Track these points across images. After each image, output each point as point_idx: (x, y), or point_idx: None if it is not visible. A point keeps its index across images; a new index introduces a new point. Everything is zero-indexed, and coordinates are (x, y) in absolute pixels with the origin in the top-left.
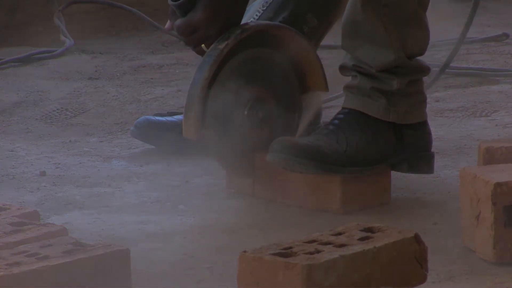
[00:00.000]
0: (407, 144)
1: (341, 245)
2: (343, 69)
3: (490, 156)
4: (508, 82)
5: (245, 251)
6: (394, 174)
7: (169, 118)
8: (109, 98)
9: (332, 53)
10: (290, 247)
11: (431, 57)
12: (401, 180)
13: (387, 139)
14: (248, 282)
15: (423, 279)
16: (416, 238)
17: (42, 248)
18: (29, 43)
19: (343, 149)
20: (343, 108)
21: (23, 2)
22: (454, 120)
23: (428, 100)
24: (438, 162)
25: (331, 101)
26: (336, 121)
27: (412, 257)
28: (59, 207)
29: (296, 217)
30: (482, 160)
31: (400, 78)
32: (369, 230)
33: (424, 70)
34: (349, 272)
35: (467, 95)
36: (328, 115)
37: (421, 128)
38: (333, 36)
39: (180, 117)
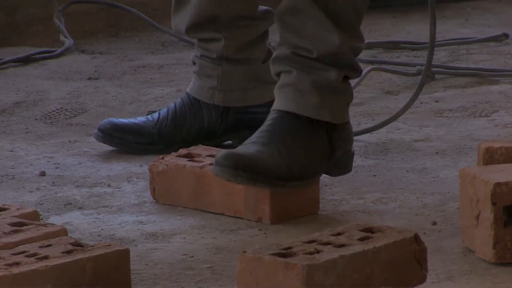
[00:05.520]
0: (336, 147)
1: (341, 245)
2: (277, 61)
3: (490, 156)
4: (508, 82)
5: (245, 251)
6: (393, 174)
7: (132, 120)
8: (109, 98)
9: None
10: (290, 247)
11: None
12: (400, 180)
13: (323, 146)
14: (248, 282)
15: (422, 279)
16: (416, 238)
17: (41, 248)
18: (29, 43)
19: (286, 163)
20: (274, 110)
21: (23, 2)
22: (454, 120)
23: (428, 100)
24: (438, 162)
25: None
26: (270, 127)
27: (412, 257)
28: (59, 207)
29: (295, 217)
30: (482, 160)
31: (337, 69)
32: (369, 230)
33: (358, 70)
34: (349, 272)
35: (467, 95)
36: None
37: (347, 129)
38: None
39: (142, 118)
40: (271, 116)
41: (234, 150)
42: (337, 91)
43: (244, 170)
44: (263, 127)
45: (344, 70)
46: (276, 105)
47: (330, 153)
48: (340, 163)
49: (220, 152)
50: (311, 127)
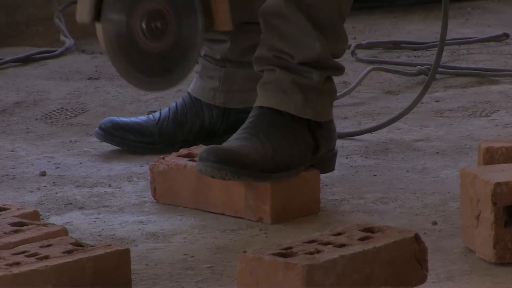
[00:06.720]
0: (320, 145)
1: (341, 245)
2: (259, 60)
3: (490, 156)
4: (508, 82)
5: (245, 251)
6: (394, 174)
7: (133, 119)
8: (109, 98)
9: None
10: (290, 247)
11: (431, 57)
12: (401, 180)
13: (306, 140)
14: (248, 282)
15: (423, 279)
16: (416, 238)
17: (42, 248)
18: (29, 43)
19: (270, 155)
20: (256, 107)
21: (23, 2)
22: (454, 120)
23: (428, 100)
24: (438, 162)
25: None
26: (252, 124)
27: (412, 257)
28: (59, 207)
29: (296, 217)
30: (482, 160)
31: (319, 71)
32: (369, 230)
33: (341, 69)
34: (349, 272)
35: (467, 95)
36: None
37: (330, 127)
38: None
39: (143, 117)
40: (253, 113)
41: (217, 145)
42: (320, 90)
43: (228, 164)
44: (245, 124)
45: (326, 72)
46: (258, 102)
47: (315, 149)
48: (323, 161)
49: (203, 148)
50: (293, 122)
